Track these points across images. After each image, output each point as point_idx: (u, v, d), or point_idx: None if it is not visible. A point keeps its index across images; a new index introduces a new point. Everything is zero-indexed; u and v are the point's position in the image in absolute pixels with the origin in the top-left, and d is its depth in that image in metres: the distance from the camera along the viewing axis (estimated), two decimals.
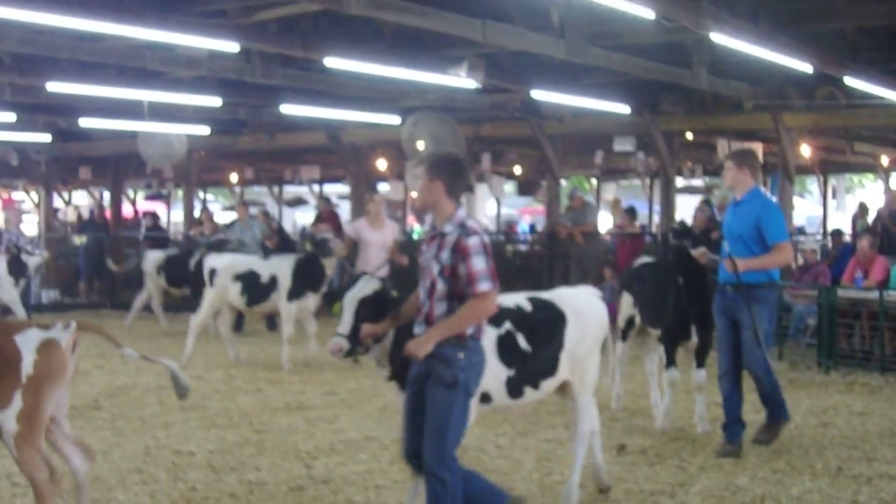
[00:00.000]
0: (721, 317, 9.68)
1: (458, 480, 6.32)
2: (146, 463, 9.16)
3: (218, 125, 22.03)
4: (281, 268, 14.95)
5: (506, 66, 16.08)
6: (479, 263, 6.21)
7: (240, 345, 16.10)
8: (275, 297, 14.92)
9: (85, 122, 20.50)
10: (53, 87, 15.84)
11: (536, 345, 7.31)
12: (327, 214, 22.50)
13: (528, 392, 7.34)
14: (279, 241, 19.80)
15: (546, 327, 7.43)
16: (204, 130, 21.68)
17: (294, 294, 14.80)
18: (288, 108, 18.49)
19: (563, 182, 26.84)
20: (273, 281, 14.87)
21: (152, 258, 19.29)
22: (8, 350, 6.60)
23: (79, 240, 25.85)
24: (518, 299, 7.53)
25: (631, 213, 21.13)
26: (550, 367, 7.44)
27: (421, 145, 18.98)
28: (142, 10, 11.61)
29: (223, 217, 28.01)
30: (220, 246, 18.23)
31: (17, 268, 17.90)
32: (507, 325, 7.22)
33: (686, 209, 24.99)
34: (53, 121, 21.52)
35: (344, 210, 26.96)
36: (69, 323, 6.93)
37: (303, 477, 8.70)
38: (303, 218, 33.45)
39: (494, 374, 7.01)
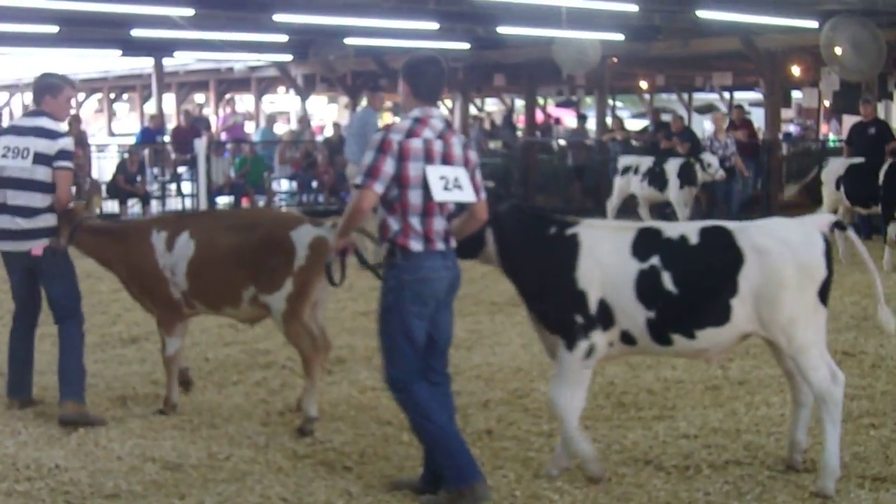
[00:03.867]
0: None
1: (419, 395, 6.05)
2: None
3: (632, 31, 22.07)
4: None
5: None
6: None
7: None
8: None
9: (503, 30, 21.07)
10: None
11: (689, 286, 6.18)
12: (740, 122, 22.27)
13: (680, 340, 6.26)
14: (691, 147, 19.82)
15: (710, 266, 6.21)
16: (618, 37, 21.82)
17: None
18: (704, 14, 18.26)
19: None
20: None
21: (833, 166, 16.17)
22: (285, 243, 7.52)
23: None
24: (688, 229, 6.37)
25: None
26: (714, 316, 6.19)
27: (839, 51, 18.37)
28: None
29: (632, 124, 28.15)
30: None
31: (686, 175, 18.31)
32: (654, 260, 6.20)
33: None
34: (472, 29, 22.28)
35: (756, 117, 26.49)
36: (335, 223, 7.28)
37: (718, 377, 8.84)
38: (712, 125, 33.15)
39: (632, 314, 6.23)
